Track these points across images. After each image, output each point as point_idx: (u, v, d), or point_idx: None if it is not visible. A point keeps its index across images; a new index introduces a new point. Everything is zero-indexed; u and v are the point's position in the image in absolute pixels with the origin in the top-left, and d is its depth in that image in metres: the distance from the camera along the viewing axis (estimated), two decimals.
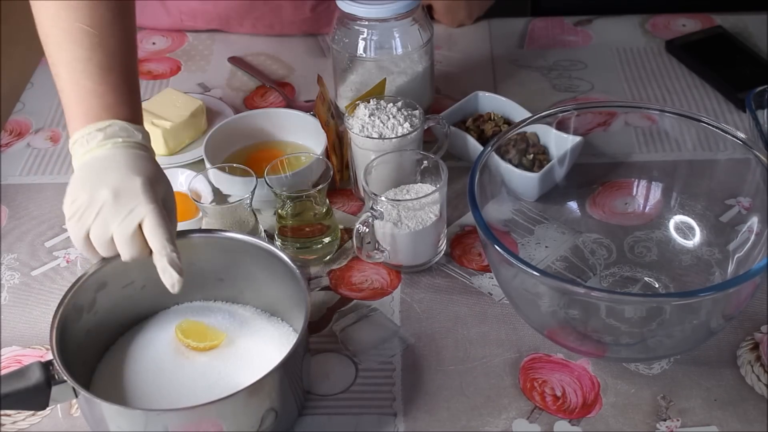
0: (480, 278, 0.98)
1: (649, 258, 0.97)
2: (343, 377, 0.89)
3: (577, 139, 1.01)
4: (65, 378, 0.77)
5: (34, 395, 0.78)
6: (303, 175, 1.01)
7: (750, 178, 0.90)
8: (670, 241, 0.97)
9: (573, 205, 1.00)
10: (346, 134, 1.05)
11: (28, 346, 0.94)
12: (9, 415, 0.87)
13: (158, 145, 1.12)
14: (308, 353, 0.87)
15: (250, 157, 1.11)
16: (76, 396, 0.79)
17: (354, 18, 1.12)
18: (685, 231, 0.97)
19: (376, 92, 1.08)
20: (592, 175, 1.01)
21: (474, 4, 1.38)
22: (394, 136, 1.01)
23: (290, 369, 0.81)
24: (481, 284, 0.98)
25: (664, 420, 0.84)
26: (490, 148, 0.91)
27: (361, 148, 1.03)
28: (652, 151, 1.07)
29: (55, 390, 0.78)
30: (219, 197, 0.99)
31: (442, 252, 1.00)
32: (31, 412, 0.87)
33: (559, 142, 1.03)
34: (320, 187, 0.97)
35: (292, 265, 0.87)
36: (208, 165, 1.05)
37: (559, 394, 0.86)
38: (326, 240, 1.01)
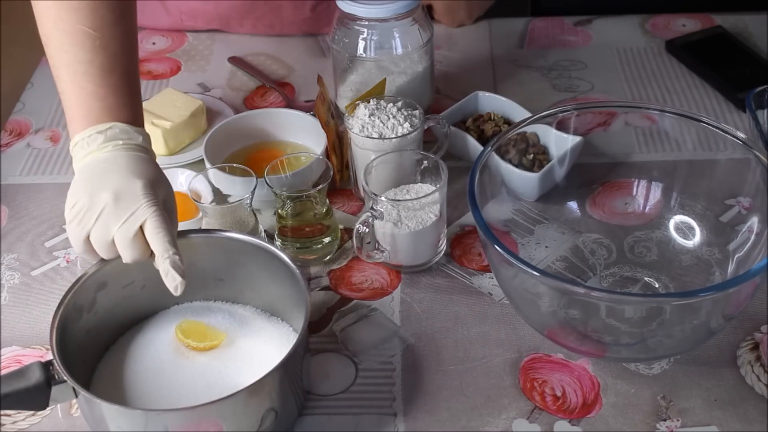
0: (480, 278, 0.98)
1: (649, 258, 0.97)
2: (343, 377, 0.89)
3: (577, 139, 1.01)
4: (65, 378, 0.77)
5: (34, 395, 0.78)
6: (303, 175, 1.01)
7: (750, 178, 0.90)
8: (670, 241, 0.97)
9: (573, 205, 1.00)
10: (346, 134, 1.05)
11: (28, 346, 0.94)
12: (9, 415, 0.87)
13: (158, 145, 1.12)
14: (308, 353, 0.87)
15: (250, 157, 1.11)
16: (76, 396, 0.79)
17: (354, 18, 1.12)
18: (685, 231, 0.97)
19: (376, 92, 1.08)
20: (592, 175, 1.01)
21: (474, 4, 1.38)
22: (394, 136, 1.01)
23: (290, 369, 0.81)
24: (481, 284, 0.98)
25: (664, 420, 0.84)
26: (490, 148, 0.91)
27: (361, 148, 1.03)
28: (652, 151, 1.07)
29: (55, 390, 0.78)
30: (219, 197, 0.99)
31: (442, 252, 1.00)
32: (31, 412, 0.87)
33: (559, 142, 1.03)
34: (320, 187, 0.97)
35: (292, 265, 0.87)
36: (208, 165, 1.05)
37: (559, 394, 0.86)
38: (326, 240, 1.01)
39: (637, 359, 0.89)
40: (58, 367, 0.78)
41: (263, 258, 0.89)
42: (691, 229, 0.96)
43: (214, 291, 0.93)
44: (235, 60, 1.33)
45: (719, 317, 0.84)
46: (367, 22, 1.12)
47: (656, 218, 0.98)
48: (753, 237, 0.89)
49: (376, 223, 0.96)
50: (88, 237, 0.83)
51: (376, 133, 1.01)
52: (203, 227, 0.97)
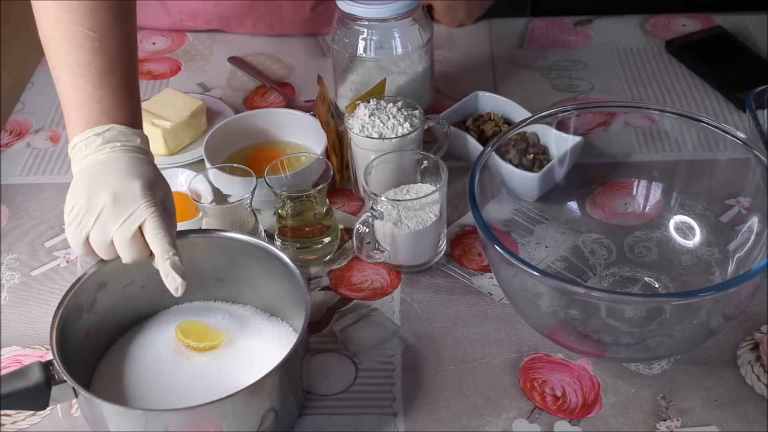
0: (480, 278, 0.98)
1: (649, 258, 0.97)
2: (343, 377, 0.89)
3: (577, 139, 1.01)
4: (65, 378, 0.77)
5: (34, 395, 0.78)
6: (303, 175, 1.01)
7: (750, 178, 0.90)
8: (670, 241, 0.97)
9: (573, 205, 1.00)
10: (346, 134, 1.05)
11: (28, 346, 0.94)
12: (9, 415, 0.87)
13: (158, 145, 1.12)
14: (308, 353, 0.87)
15: (250, 157, 1.11)
16: (76, 396, 0.79)
17: (354, 18, 1.12)
18: (685, 231, 0.97)
19: (376, 92, 1.08)
20: (592, 175, 1.01)
21: (474, 4, 1.38)
22: (394, 136, 1.01)
23: (290, 369, 0.81)
24: (481, 284, 0.98)
25: (664, 420, 0.84)
26: (490, 148, 0.91)
27: (361, 148, 1.03)
28: (652, 151, 1.07)
29: (55, 390, 0.78)
30: (219, 197, 0.99)
31: (442, 252, 1.00)
32: (31, 412, 0.87)
33: (559, 142, 1.03)
34: (320, 187, 0.97)
35: (292, 265, 0.87)
36: (208, 165, 1.05)
37: (559, 394, 0.86)
38: (326, 240, 1.01)
39: (637, 359, 0.89)
40: (58, 367, 0.78)
41: (263, 258, 0.89)
42: (691, 229, 0.96)
43: (214, 291, 0.93)
44: (235, 60, 1.33)
45: (719, 317, 0.84)
46: (367, 22, 1.12)
47: (656, 218, 0.98)
48: (753, 237, 0.89)
49: (376, 223, 0.96)
50: (87, 238, 0.83)
51: (376, 133, 1.01)
52: (203, 227, 0.97)
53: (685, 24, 1.37)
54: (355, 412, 0.86)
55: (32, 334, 0.95)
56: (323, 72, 1.14)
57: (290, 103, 1.24)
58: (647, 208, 0.99)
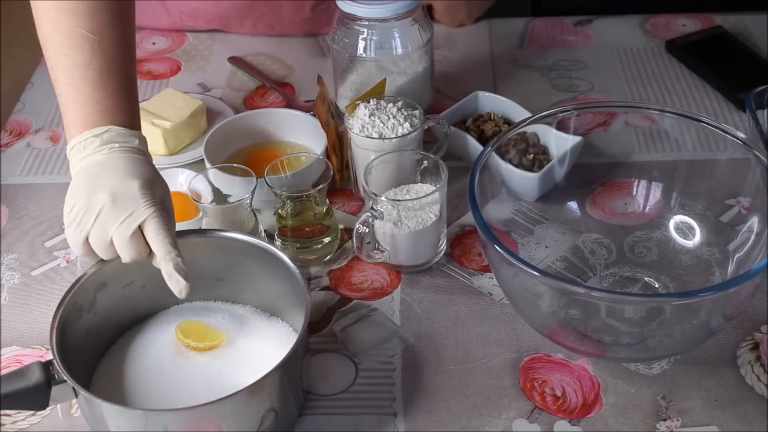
0: (480, 278, 0.98)
1: (649, 258, 0.97)
2: (343, 377, 0.89)
3: (577, 139, 1.01)
4: (65, 378, 0.77)
5: (34, 395, 0.78)
6: (303, 175, 1.01)
7: (750, 178, 0.90)
8: (670, 241, 0.97)
9: (573, 205, 1.00)
10: (346, 134, 1.05)
11: (28, 346, 0.94)
12: (9, 415, 0.87)
13: (158, 145, 1.13)
14: (308, 353, 0.87)
15: (250, 157, 1.11)
16: (76, 396, 0.79)
17: (354, 18, 1.12)
18: (685, 231, 0.97)
19: (376, 92, 1.08)
20: (592, 175, 1.01)
21: (474, 4, 1.38)
22: (394, 136, 1.01)
23: (290, 369, 0.81)
24: (481, 284, 0.98)
25: (664, 420, 0.84)
26: (490, 148, 0.91)
27: (361, 148, 1.03)
28: (652, 151, 1.07)
29: (55, 390, 0.78)
30: (219, 197, 0.99)
31: (442, 252, 1.00)
32: (31, 412, 0.87)
33: (559, 142, 1.03)
34: (320, 187, 0.97)
35: (292, 265, 0.87)
36: (208, 165, 1.05)
37: (559, 394, 0.86)
38: (326, 240, 1.01)
39: (637, 359, 0.89)
40: (58, 367, 0.78)
41: (263, 258, 0.89)
42: (691, 229, 0.96)
43: (214, 291, 0.93)
44: (235, 60, 1.33)
45: (719, 317, 0.84)
46: (367, 22, 1.12)
47: (656, 218, 0.98)
48: (753, 237, 0.89)
49: (376, 223, 0.96)
50: (86, 238, 0.83)
51: (376, 133, 1.01)
52: (203, 227, 0.97)
53: (685, 24, 1.37)
54: (355, 412, 0.86)
55: (32, 334, 0.95)
56: (323, 72, 1.14)
57: (290, 103, 1.24)
58: (647, 208, 0.99)
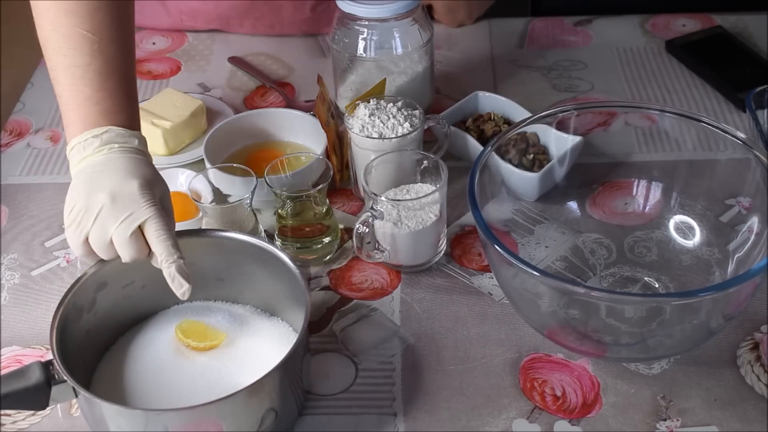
0: (480, 278, 0.98)
1: (649, 258, 0.97)
2: (343, 377, 0.89)
3: (577, 139, 1.01)
4: (65, 378, 0.77)
5: (34, 395, 0.78)
6: (303, 175, 1.01)
7: (750, 178, 0.90)
8: (670, 241, 0.97)
9: (573, 205, 1.00)
10: (346, 134, 1.05)
11: (28, 346, 0.94)
12: (9, 415, 0.87)
13: (158, 145, 1.13)
14: (308, 353, 0.87)
15: (250, 157, 1.11)
16: (76, 396, 0.79)
17: (354, 18, 1.12)
18: (685, 231, 0.97)
19: (376, 92, 1.08)
20: (592, 175, 1.01)
21: (474, 4, 1.38)
22: (394, 136, 1.01)
23: (290, 369, 0.81)
24: (481, 284, 0.98)
25: (664, 420, 0.84)
26: (490, 148, 0.91)
27: (361, 148, 1.03)
28: (652, 151, 1.07)
29: (55, 390, 0.78)
30: (219, 197, 0.99)
31: (442, 252, 1.00)
32: (31, 412, 0.87)
33: (559, 142, 1.03)
34: (320, 187, 0.97)
35: (292, 265, 0.87)
36: (208, 165, 1.05)
37: (559, 394, 0.86)
38: (326, 240, 1.01)
39: (637, 359, 0.89)
40: (58, 367, 0.78)
41: (263, 258, 0.89)
42: (691, 229, 0.96)
43: (214, 291, 0.93)
44: (235, 60, 1.33)
45: (719, 317, 0.84)
46: (367, 22, 1.12)
47: (656, 218, 0.98)
48: (753, 237, 0.89)
49: (376, 223, 0.96)
50: (86, 239, 0.83)
51: (376, 133, 1.01)
52: (203, 227, 0.97)
53: (685, 24, 1.37)
54: (355, 412, 0.86)
55: (32, 334, 0.95)
56: (323, 72, 1.14)
57: (290, 103, 1.24)
58: (647, 208, 0.99)
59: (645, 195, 0.99)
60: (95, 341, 0.88)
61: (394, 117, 1.03)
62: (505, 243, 0.82)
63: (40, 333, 0.95)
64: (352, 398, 0.87)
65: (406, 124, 1.02)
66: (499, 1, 1.40)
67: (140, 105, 0.94)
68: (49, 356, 0.80)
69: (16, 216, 1.09)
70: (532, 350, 0.90)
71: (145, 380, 0.85)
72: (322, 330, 0.94)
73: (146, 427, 0.77)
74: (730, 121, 1.18)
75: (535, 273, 0.79)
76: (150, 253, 0.82)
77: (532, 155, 1.04)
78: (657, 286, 0.95)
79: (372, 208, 0.95)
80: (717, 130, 0.91)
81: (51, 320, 0.82)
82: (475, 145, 1.09)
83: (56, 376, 0.78)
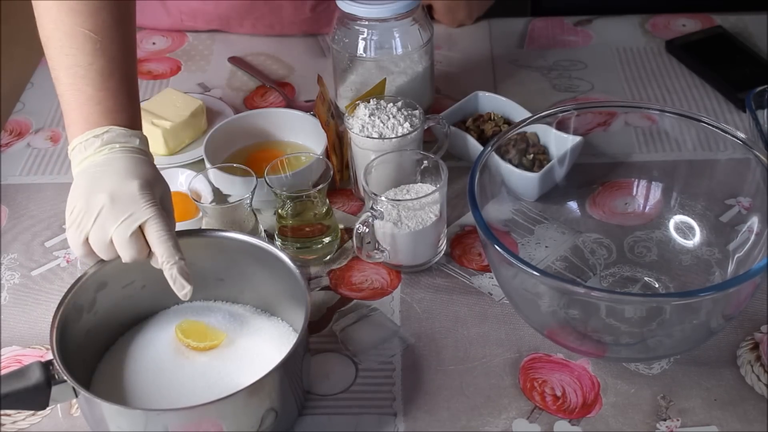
0: (480, 278, 0.98)
1: (649, 258, 0.97)
2: (343, 377, 0.89)
3: (577, 139, 1.01)
4: (65, 378, 0.77)
5: (34, 395, 0.78)
6: (303, 175, 1.01)
7: (750, 178, 0.90)
8: (670, 241, 0.97)
9: (573, 205, 1.00)
10: (346, 134, 1.05)
11: (28, 346, 0.94)
12: (9, 415, 0.87)
13: (158, 145, 1.12)
14: (308, 353, 0.87)
15: (250, 157, 1.11)
16: (76, 396, 0.79)
17: (354, 18, 1.12)
18: (685, 231, 0.97)
19: (376, 92, 1.08)
20: (592, 175, 1.01)
21: (474, 4, 1.38)
22: (394, 136, 1.01)
23: (290, 369, 0.81)
24: (481, 284, 0.98)
25: (664, 420, 0.84)
26: (490, 148, 0.91)
27: (361, 148, 1.03)
28: (652, 151, 1.07)
29: (55, 390, 0.78)
30: (219, 197, 0.99)
31: (442, 252, 1.00)
32: (31, 412, 0.87)
33: (559, 142, 1.03)
34: (320, 187, 0.97)
35: (292, 265, 0.87)
36: (208, 165, 1.05)
37: (559, 394, 0.86)
38: (326, 240, 1.01)
39: (637, 359, 0.89)
40: (58, 367, 0.78)
41: (263, 258, 0.89)
42: (691, 229, 0.96)
43: (214, 291, 0.93)
44: (235, 60, 1.33)
45: (719, 317, 0.84)
46: (367, 22, 1.12)
47: (656, 218, 0.98)
48: (753, 237, 0.89)
49: (376, 223, 0.96)
50: (86, 239, 0.83)
51: (376, 133, 1.01)
52: (203, 227, 0.97)
53: (685, 24, 1.37)
54: (355, 412, 0.86)
55: (32, 334, 0.95)
56: (323, 72, 1.14)
57: (290, 103, 1.24)
58: (647, 208, 0.99)
59: (645, 195, 0.99)
60: (95, 341, 0.88)
61: (394, 117, 1.03)
62: (505, 243, 0.82)
63: (40, 333, 0.95)
64: (352, 398, 0.87)
65: (406, 124, 1.02)
66: (499, 1, 1.40)
67: (140, 105, 0.94)
68: (49, 356, 0.80)
69: (16, 216, 1.09)
70: (532, 350, 0.91)
71: (145, 380, 0.85)
72: (322, 330, 0.94)
73: (146, 427, 0.77)
74: (730, 121, 1.18)
75: (535, 273, 0.79)
76: (150, 253, 0.82)
77: (532, 155, 1.04)
78: (657, 286, 0.95)
79: (372, 208, 0.95)
80: (717, 130, 0.91)
81: (51, 320, 0.82)
82: (475, 145, 1.09)
83: (56, 376, 0.78)
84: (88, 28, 0.86)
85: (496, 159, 0.94)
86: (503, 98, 1.15)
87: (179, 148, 1.16)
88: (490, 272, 0.98)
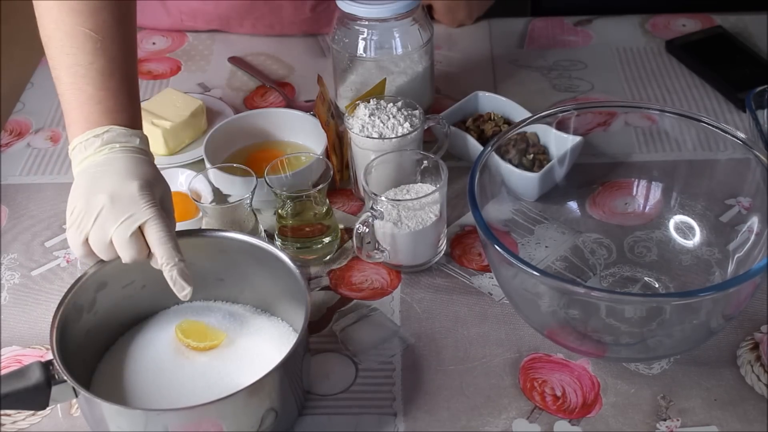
0: (480, 278, 0.98)
1: (649, 258, 0.97)
2: (343, 377, 0.89)
3: (577, 139, 1.01)
4: (65, 378, 0.77)
5: (34, 395, 0.78)
6: (303, 175, 1.01)
7: (750, 178, 0.90)
8: (670, 241, 0.97)
9: (573, 205, 1.00)
10: (346, 134, 1.05)
11: (28, 346, 0.94)
12: (9, 415, 0.87)
13: (158, 145, 1.12)
14: (308, 353, 0.87)
15: (250, 157, 1.11)
16: (76, 396, 0.79)
17: (354, 18, 1.12)
18: (685, 231, 0.97)
19: (376, 92, 1.08)
20: (592, 175, 1.01)
21: (474, 4, 1.38)
22: (394, 136, 1.01)
23: (290, 369, 0.81)
24: (481, 284, 0.98)
25: (664, 420, 0.84)
26: (490, 148, 0.91)
27: (361, 148, 1.03)
28: (652, 151, 1.07)
29: (55, 390, 0.78)
30: (219, 197, 0.99)
31: (442, 252, 1.00)
32: (31, 412, 0.87)
33: (559, 142, 1.03)
34: (320, 187, 0.97)
35: (292, 265, 0.87)
36: (208, 165, 1.05)
37: (559, 394, 0.86)
38: (326, 240, 1.01)
39: (637, 359, 0.89)
40: (58, 367, 0.78)
41: (263, 258, 0.89)
42: (691, 229, 0.96)
43: (214, 291, 0.93)
44: (235, 60, 1.33)
45: (719, 317, 0.84)
46: (367, 22, 1.12)
47: (656, 218, 0.98)
48: (753, 237, 0.89)
49: (376, 223, 0.96)
50: (87, 240, 0.83)
51: (376, 133, 1.01)
52: (203, 227, 0.97)
53: (685, 24, 1.37)
54: (355, 412, 0.86)
55: (32, 334, 0.95)
56: (323, 72, 1.14)
57: (290, 103, 1.24)
58: (647, 208, 0.99)
59: (645, 195, 0.99)
60: (95, 341, 0.88)
61: (394, 117, 1.03)
62: (505, 243, 0.82)
63: (40, 333, 0.95)
64: (352, 398, 0.87)
65: (406, 124, 1.02)
66: (499, 1, 1.40)
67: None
68: (49, 356, 0.80)
69: (16, 216, 1.09)
70: (532, 350, 0.91)
71: (145, 380, 0.85)
72: (322, 330, 0.94)
73: (146, 427, 0.77)
74: (730, 121, 1.18)
75: (535, 273, 0.79)
76: (150, 253, 0.82)
77: (532, 155, 1.04)
78: (657, 286, 0.95)
79: (372, 208, 0.95)
80: (717, 130, 0.91)
81: (51, 320, 0.82)
82: (475, 145, 1.09)
83: (56, 376, 0.78)
84: (89, 27, 0.86)
85: (496, 159, 0.94)
86: (503, 98, 1.15)
87: (179, 148, 1.16)
88: (490, 272, 0.98)
